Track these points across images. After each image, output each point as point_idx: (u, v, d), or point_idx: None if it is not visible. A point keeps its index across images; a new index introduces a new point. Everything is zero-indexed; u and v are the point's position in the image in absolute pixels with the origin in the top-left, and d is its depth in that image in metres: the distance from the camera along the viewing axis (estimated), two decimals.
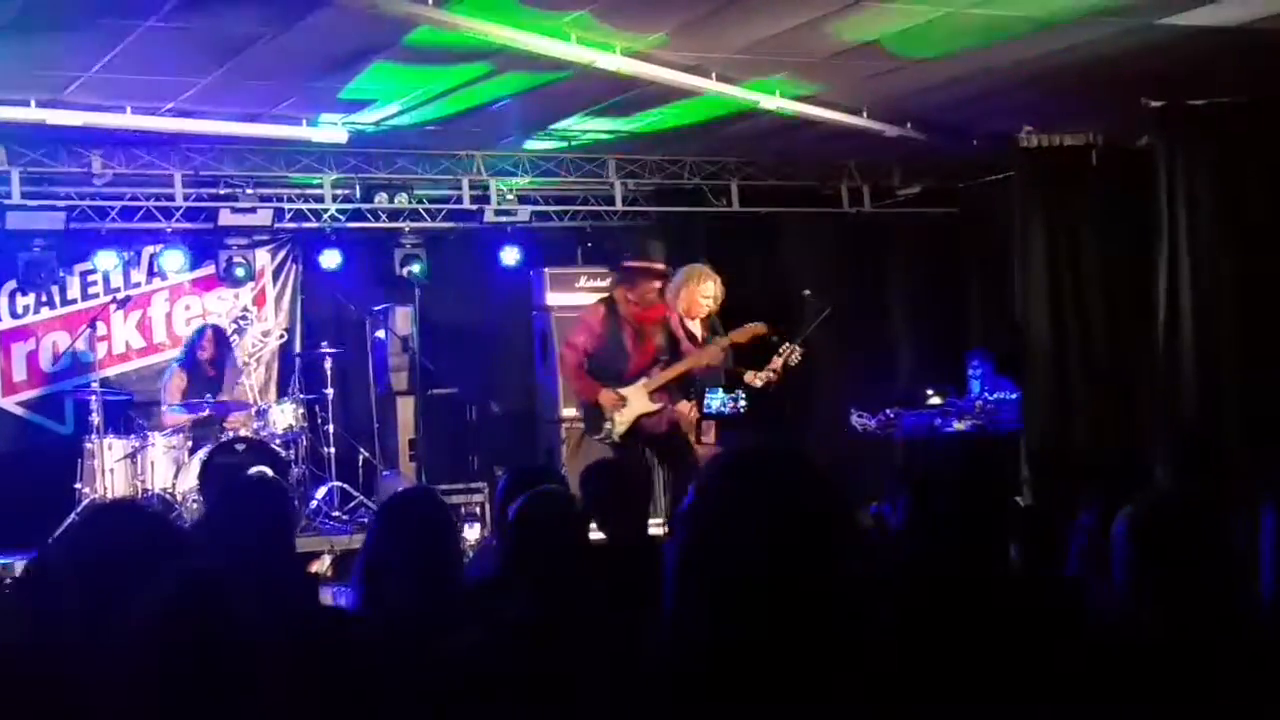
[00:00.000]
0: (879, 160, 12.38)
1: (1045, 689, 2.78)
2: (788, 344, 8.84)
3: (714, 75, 8.93)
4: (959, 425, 11.34)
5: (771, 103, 9.45)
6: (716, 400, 8.61)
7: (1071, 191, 10.46)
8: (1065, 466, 10.01)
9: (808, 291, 9.06)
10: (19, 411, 11.70)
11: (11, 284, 11.57)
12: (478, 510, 10.95)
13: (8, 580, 7.64)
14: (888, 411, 11.65)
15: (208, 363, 11.10)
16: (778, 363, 8.79)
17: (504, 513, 4.43)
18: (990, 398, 11.32)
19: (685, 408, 8.80)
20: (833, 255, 12.47)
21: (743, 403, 8.56)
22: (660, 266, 9.18)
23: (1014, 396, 11.08)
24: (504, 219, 12.02)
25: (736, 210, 12.53)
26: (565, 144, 11.56)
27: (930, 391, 11.76)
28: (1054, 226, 10.44)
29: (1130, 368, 10.24)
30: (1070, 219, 10.47)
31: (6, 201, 10.46)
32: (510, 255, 12.37)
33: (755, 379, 8.74)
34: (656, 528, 7.67)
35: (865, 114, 10.14)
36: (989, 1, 7.66)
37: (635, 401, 8.78)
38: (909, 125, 10.44)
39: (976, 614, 2.88)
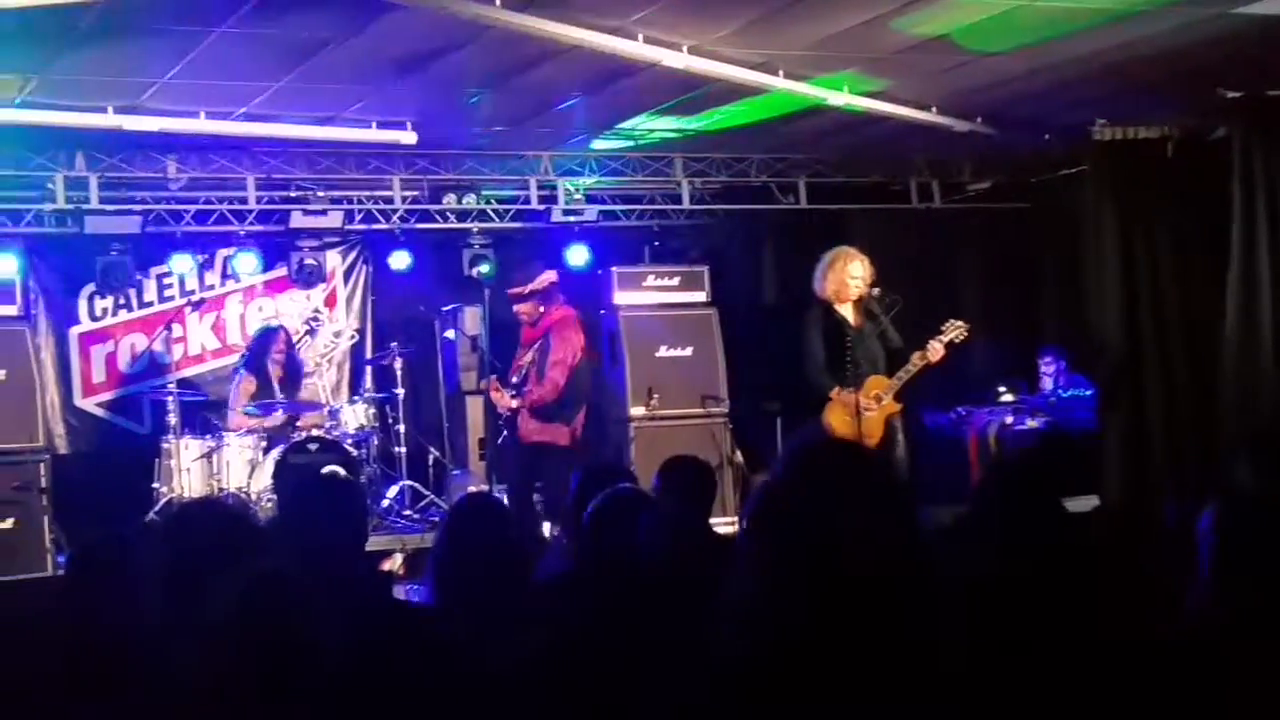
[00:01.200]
0: (949, 155, 12.29)
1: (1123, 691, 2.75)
2: (952, 321, 8.80)
3: (781, 72, 8.90)
4: (1031, 422, 11.24)
5: (839, 99, 9.41)
6: None
7: (1146, 185, 10.33)
8: (1143, 466, 9.90)
9: (878, 288, 8.99)
10: (99, 412, 11.87)
11: (90, 287, 11.74)
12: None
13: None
14: (959, 409, 11.57)
15: (279, 364, 11.20)
16: (943, 340, 8.73)
17: (576, 510, 4.44)
18: (1064, 394, 11.21)
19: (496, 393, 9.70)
20: (902, 252, 12.36)
21: None
22: (530, 287, 9.72)
23: (1088, 393, 10.96)
24: (571, 219, 12.05)
25: (804, 207, 12.48)
26: (632, 143, 11.58)
27: (1002, 388, 11.66)
28: (1128, 221, 10.32)
29: (1207, 365, 10.09)
30: (1145, 213, 10.35)
31: (85, 206, 10.61)
32: (578, 255, 12.39)
33: (920, 360, 8.70)
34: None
35: (935, 109, 10.08)
36: None
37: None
38: (979, 120, 10.37)
39: (1052, 614, 2.85)
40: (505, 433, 9.88)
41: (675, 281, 12.18)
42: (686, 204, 12.39)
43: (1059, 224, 12.06)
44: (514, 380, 9.75)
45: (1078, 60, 8.91)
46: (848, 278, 8.88)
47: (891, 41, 8.40)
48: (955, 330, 8.80)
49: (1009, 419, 11.33)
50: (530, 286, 9.75)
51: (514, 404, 9.57)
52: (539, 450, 9.68)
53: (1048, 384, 11.60)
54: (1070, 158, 11.26)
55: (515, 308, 9.82)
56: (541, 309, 9.72)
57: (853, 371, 8.73)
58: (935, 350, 8.69)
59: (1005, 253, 12.83)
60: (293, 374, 11.35)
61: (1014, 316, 12.56)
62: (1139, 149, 10.31)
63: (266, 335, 11.41)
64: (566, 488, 9.23)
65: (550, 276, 9.91)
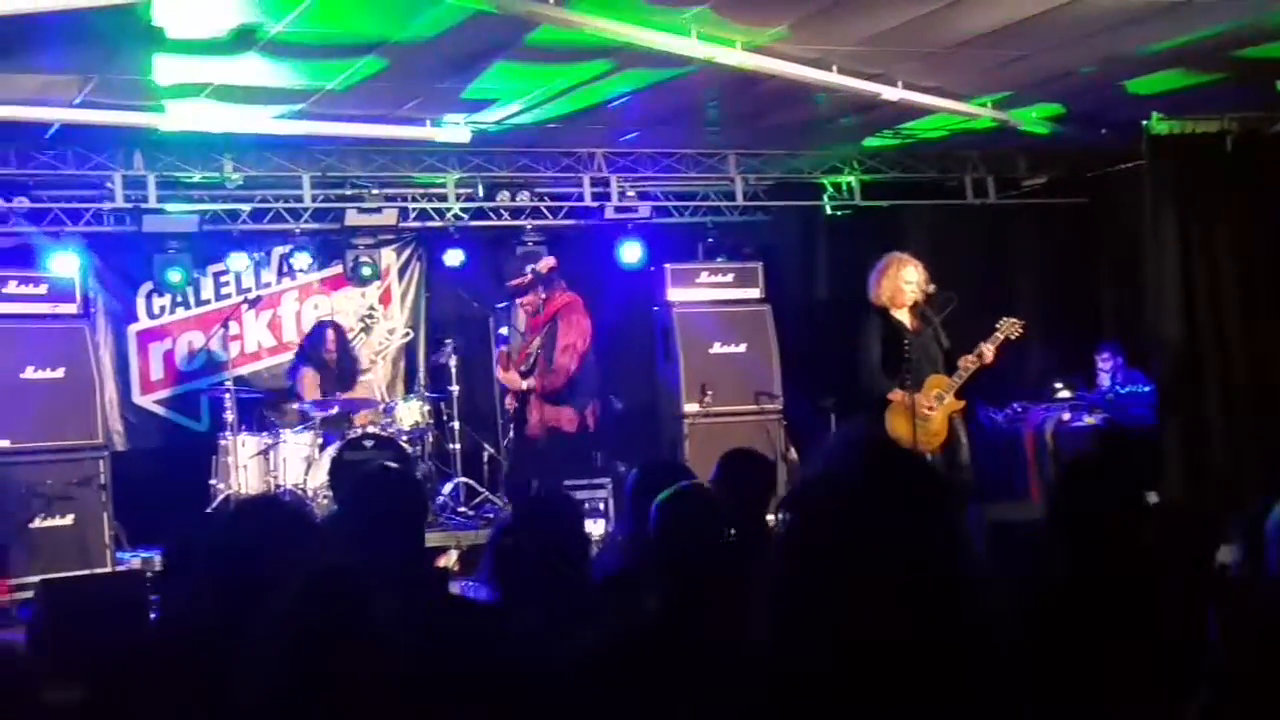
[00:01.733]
0: (1004, 150, 12.21)
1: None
2: (1007, 318, 8.77)
3: (835, 68, 8.87)
4: (1089, 419, 11.16)
5: (894, 94, 9.36)
6: None
7: (1205, 179, 10.19)
8: (1204, 463, 9.79)
9: (932, 286, 8.97)
10: (157, 409, 11.97)
11: (148, 285, 11.84)
12: (601, 505, 10.97)
13: (149, 574, 7.80)
14: (1015, 405, 11.50)
15: (332, 360, 11.28)
16: (997, 337, 8.70)
17: (634, 507, 4.43)
18: (1122, 390, 11.11)
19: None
20: (957, 248, 12.31)
21: None
22: (528, 276, 9.97)
23: (1146, 389, 10.86)
24: (625, 215, 12.06)
25: (858, 203, 12.44)
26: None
27: (1059, 385, 11.58)
28: (1186, 216, 10.19)
29: (1268, 362, 9.97)
30: (1203, 207, 10.21)
31: (143, 205, 10.73)
32: (631, 251, 12.39)
33: (971, 361, 8.68)
34: None
35: (990, 105, 10.01)
36: None
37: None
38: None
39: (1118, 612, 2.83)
40: (512, 435, 10.02)
41: (729, 278, 12.17)
42: (740, 200, 12.38)
43: (1117, 219, 11.96)
44: (521, 370, 9.99)
45: (1134, 54, 8.83)
46: (902, 283, 8.88)
47: (946, 36, 8.36)
48: (1009, 328, 8.78)
49: (1066, 416, 11.26)
50: (526, 279, 9.88)
51: (524, 384, 9.84)
52: (546, 440, 9.78)
53: (1105, 380, 11.51)
54: (1127, 152, 11.14)
55: (518, 300, 10.03)
56: (544, 296, 9.91)
57: (912, 374, 8.70)
58: (986, 352, 8.67)
59: (1062, 248, 12.75)
60: (347, 369, 11.43)
61: (1071, 312, 12.48)
62: (1197, 143, 10.18)
63: (320, 331, 11.50)
64: (567, 475, 9.60)
65: (549, 262, 10.03)
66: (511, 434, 10.24)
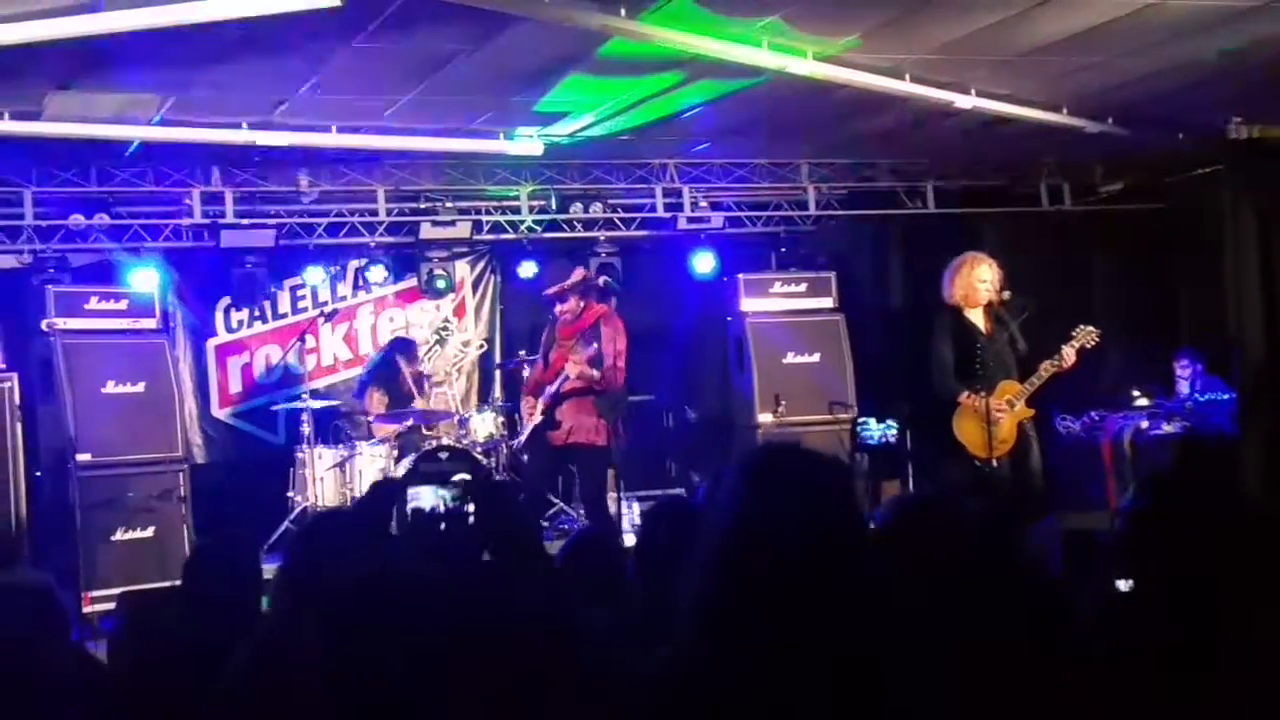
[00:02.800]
0: (1079, 157, 12.09)
1: None
2: (1083, 326, 8.69)
3: (907, 76, 8.82)
4: (1168, 427, 11.00)
5: (967, 102, 9.30)
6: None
7: None
8: None
9: (1008, 292, 8.89)
10: (235, 422, 12.11)
11: (226, 300, 12.00)
12: None
13: None
14: (1092, 414, 11.36)
15: (408, 375, 11.37)
16: (1074, 344, 8.63)
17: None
18: (1201, 398, 10.95)
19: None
20: (1033, 256, 12.19)
21: (894, 433, 8.64)
22: (573, 280, 9.99)
23: (1226, 397, 10.70)
24: (697, 226, 12.07)
25: (932, 212, 12.38)
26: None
27: (1136, 392, 11.44)
28: (1267, 221, 10.04)
29: None
30: None
31: (221, 220, 10.87)
32: (704, 262, 12.40)
33: (1051, 366, 8.61)
34: None
35: (1065, 110, 9.92)
36: None
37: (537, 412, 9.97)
38: (1111, 120, 10.18)
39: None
40: (529, 443, 10.15)
41: (802, 288, 12.15)
42: (813, 210, 12.35)
43: (1195, 224, 11.79)
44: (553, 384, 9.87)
45: (1212, 58, 8.72)
46: (976, 281, 8.81)
47: (1019, 43, 8.29)
48: (1086, 335, 8.68)
49: (1144, 424, 11.10)
50: (568, 283, 9.99)
51: (538, 417, 9.93)
52: (572, 451, 9.90)
53: (1184, 387, 11.35)
54: (1205, 157, 11.01)
55: (558, 308, 10.05)
56: (581, 304, 9.96)
57: (983, 377, 8.63)
58: (1066, 357, 8.58)
59: (1139, 254, 12.60)
60: (419, 383, 11.51)
61: (1148, 319, 12.33)
62: (1276, 148, 10.03)
63: (396, 347, 11.61)
64: (604, 485, 9.65)
65: (582, 271, 10.13)
66: (522, 440, 10.28)
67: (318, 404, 11.16)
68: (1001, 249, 12.15)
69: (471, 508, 4.41)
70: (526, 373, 11.65)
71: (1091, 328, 8.71)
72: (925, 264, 10.18)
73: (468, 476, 9.92)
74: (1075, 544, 5.68)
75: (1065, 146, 11.35)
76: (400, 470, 10.53)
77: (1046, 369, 8.62)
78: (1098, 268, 12.78)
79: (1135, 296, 12.48)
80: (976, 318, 8.85)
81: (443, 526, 4.48)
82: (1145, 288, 12.52)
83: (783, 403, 11.56)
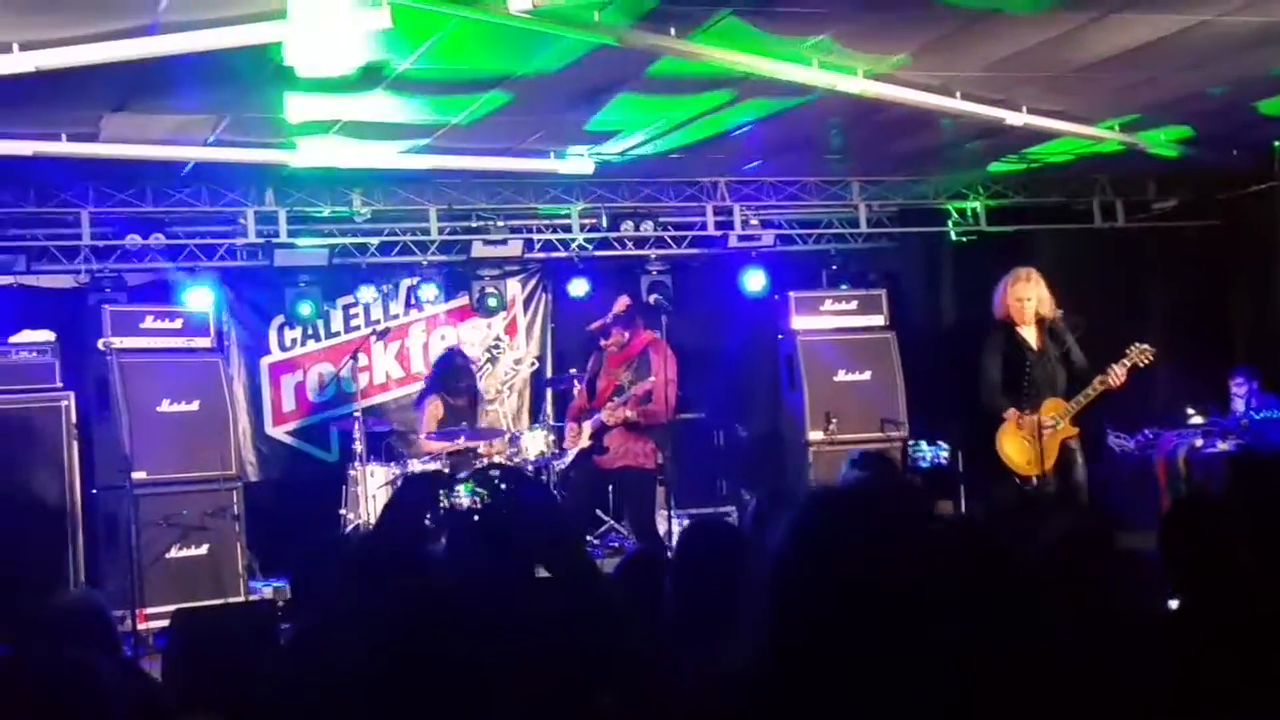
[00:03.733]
0: (1132, 173, 12.02)
1: None
2: (1137, 344, 8.62)
3: (958, 94, 8.80)
4: (1222, 445, 10.90)
5: (1017, 119, 9.26)
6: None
7: None
8: None
9: (1061, 310, 8.83)
10: (288, 440, 12.19)
11: (280, 318, 12.09)
12: None
13: (280, 603, 7.94)
14: (1146, 431, 11.27)
15: (464, 390, 11.38)
16: (1125, 363, 8.56)
17: (758, 531, 4.43)
18: (1256, 416, 10.85)
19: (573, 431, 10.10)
20: (1086, 273, 12.12)
21: (945, 455, 8.62)
22: (615, 311, 9.91)
23: None
24: (748, 244, 12.07)
25: (984, 229, 12.33)
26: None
27: (1191, 410, 11.34)
28: None
29: None
30: None
31: (274, 240, 10.97)
32: (755, 280, 12.40)
33: (1100, 385, 8.55)
34: None
35: (1118, 128, 9.87)
36: (1248, 7, 7.36)
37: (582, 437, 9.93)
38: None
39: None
40: (574, 465, 10.14)
41: (853, 305, 12.11)
42: (864, 227, 12.34)
43: (1250, 241, 11.71)
44: (609, 400, 9.79)
45: (1264, 75, 8.65)
46: (1013, 299, 8.75)
47: (1069, 61, 8.26)
48: (1139, 354, 8.59)
49: (1198, 442, 11.01)
50: (613, 313, 9.92)
51: (585, 442, 9.87)
52: (619, 475, 9.87)
53: (1239, 406, 11.25)
54: (1260, 173, 10.92)
55: (604, 342, 9.93)
56: (627, 334, 9.85)
57: (1030, 394, 8.58)
58: (1116, 375, 8.51)
59: (1193, 272, 12.49)
60: (473, 399, 11.53)
61: (1203, 336, 12.21)
62: None
63: (451, 361, 11.62)
64: (652, 509, 9.63)
65: (625, 301, 10.08)
66: (565, 463, 10.26)
67: (368, 412, 11.22)
68: (1054, 266, 12.11)
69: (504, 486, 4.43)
70: (577, 389, 11.69)
71: (1146, 346, 8.62)
72: (977, 281, 10.13)
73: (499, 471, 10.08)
74: (1123, 563, 5.62)
75: (1117, 163, 11.28)
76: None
77: (1095, 387, 8.55)
78: (1152, 285, 12.68)
79: (1189, 314, 12.36)
80: (1029, 334, 8.79)
81: (475, 519, 4.49)
82: (1199, 305, 12.41)
83: (834, 420, 11.53)
